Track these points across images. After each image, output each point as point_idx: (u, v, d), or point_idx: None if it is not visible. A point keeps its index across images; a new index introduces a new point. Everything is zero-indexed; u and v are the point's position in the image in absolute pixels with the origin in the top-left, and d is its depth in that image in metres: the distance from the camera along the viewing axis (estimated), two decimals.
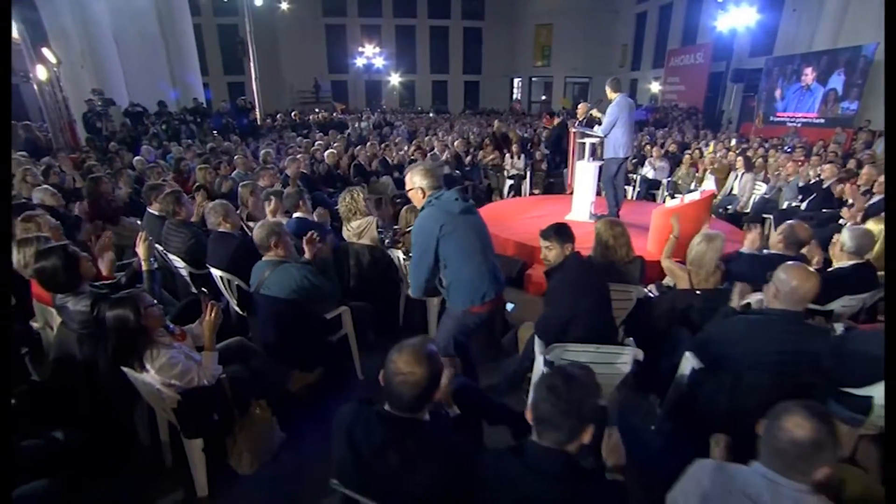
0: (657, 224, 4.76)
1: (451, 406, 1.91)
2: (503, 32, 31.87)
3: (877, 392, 2.16)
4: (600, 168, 5.80)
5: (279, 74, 28.27)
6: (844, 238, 3.06)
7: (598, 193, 6.10)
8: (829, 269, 3.13)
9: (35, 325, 2.81)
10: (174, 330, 2.28)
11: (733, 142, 10.51)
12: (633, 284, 2.99)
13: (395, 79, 31.91)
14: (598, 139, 5.76)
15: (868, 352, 2.16)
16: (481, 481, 1.33)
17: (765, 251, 3.11)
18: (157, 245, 3.73)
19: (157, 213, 3.94)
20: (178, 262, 3.61)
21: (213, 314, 2.29)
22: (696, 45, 21.15)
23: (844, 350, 2.20)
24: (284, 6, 17.34)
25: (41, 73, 9.80)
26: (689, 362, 2.41)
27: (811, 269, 2.10)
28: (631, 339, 2.55)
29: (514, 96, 33.52)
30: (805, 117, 15.43)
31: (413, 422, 1.42)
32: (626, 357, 2.34)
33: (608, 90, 5.57)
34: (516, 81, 33.42)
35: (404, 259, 3.69)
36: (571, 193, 6.16)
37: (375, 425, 1.42)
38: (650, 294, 3.11)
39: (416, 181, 2.59)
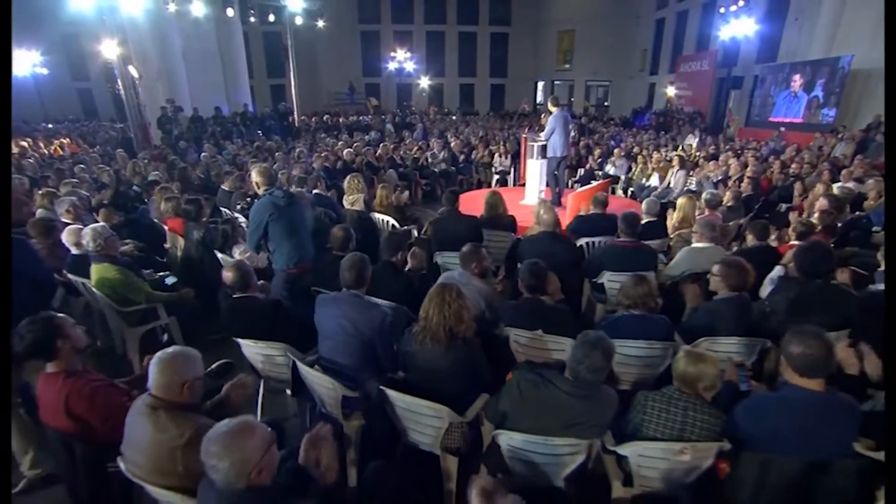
0: (571, 204, 6.64)
1: None
2: (528, 37, 33.08)
3: (605, 279, 4.04)
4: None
5: (317, 78, 30.53)
6: (643, 207, 4.92)
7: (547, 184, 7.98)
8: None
9: (167, 246, 5.02)
10: None
11: (694, 143, 12.06)
12: (509, 232, 4.96)
13: (424, 82, 33.35)
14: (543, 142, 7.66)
15: (596, 258, 4.07)
16: None
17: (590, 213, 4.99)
18: (226, 209, 6.01)
19: (227, 188, 6.17)
20: (241, 218, 5.80)
21: None
22: (702, 52, 22.25)
23: (590, 257, 4.14)
24: (321, 24, 19.57)
25: (126, 85, 12.40)
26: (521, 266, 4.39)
27: (554, 209, 4.02)
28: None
29: (538, 99, 34.95)
30: (792, 122, 16.55)
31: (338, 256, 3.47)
32: None
33: (549, 105, 7.46)
34: (540, 84, 34.73)
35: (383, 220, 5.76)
36: (524, 185, 8.07)
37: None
38: (518, 238, 5.05)
39: (254, 178, 3.78)
